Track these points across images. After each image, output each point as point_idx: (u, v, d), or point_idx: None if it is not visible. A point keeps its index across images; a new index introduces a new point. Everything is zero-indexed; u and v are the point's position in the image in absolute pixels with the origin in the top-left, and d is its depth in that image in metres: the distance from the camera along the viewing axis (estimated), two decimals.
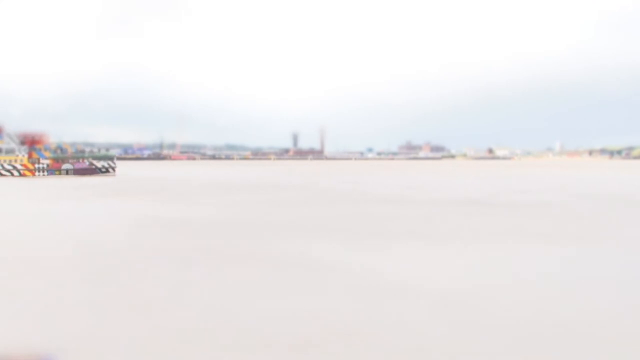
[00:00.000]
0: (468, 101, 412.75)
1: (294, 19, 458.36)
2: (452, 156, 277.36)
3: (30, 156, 69.20)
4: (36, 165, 68.37)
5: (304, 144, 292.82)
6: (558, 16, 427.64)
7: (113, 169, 71.34)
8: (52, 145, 70.71)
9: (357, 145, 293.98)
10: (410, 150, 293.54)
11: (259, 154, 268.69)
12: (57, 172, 68.26)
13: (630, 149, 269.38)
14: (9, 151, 69.88)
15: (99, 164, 70.97)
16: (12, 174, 67.62)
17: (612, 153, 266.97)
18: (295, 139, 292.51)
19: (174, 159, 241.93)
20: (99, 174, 69.45)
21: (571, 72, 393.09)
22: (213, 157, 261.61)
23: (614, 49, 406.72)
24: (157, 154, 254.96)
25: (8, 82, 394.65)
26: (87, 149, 74.83)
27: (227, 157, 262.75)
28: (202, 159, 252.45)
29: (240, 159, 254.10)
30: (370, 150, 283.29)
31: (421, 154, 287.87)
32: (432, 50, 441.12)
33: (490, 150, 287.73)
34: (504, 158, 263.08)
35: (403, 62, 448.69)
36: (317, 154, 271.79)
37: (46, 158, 69.62)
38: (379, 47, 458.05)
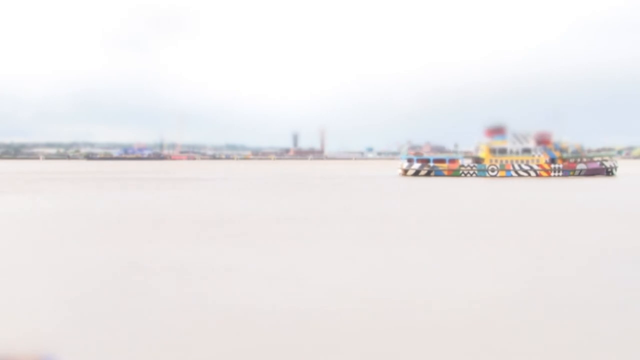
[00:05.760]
0: (469, 101, 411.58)
1: (294, 21, 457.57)
2: None
3: (544, 156, 67.91)
4: (552, 166, 67.09)
5: (304, 144, 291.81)
6: (557, 14, 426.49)
7: (616, 169, 70.17)
8: (563, 144, 69.05)
9: (358, 144, 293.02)
10: (410, 150, 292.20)
11: (259, 154, 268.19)
12: (571, 173, 67.59)
13: (631, 149, 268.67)
14: (526, 151, 67.79)
15: (608, 164, 69.68)
16: (529, 175, 66.81)
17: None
18: (295, 138, 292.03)
19: (174, 159, 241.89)
20: (604, 175, 68.80)
21: (573, 71, 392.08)
22: (213, 157, 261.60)
23: (614, 47, 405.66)
24: (157, 154, 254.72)
25: (17, 83, 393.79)
26: (587, 149, 72.96)
27: (228, 157, 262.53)
28: (202, 159, 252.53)
29: (241, 158, 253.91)
30: (370, 150, 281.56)
31: None
32: (433, 50, 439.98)
33: None
34: None
35: (403, 62, 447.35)
36: (317, 153, 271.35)
37: (555, 157, 68.12)
38: (379, 47, 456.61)
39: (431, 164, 66.85)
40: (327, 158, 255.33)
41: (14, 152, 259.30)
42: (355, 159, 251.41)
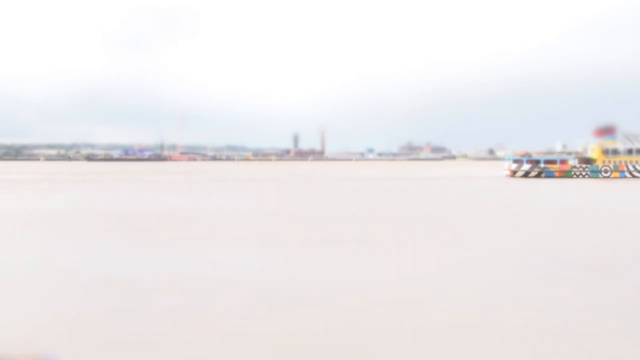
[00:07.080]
0: (469, 101, 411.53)
1: (294, 21, 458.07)
2: (453, 157, 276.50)
3: None
4: None
5: (304, 145, 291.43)
6: (557, 14, 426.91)
7: None
8: None
9: (359, 145, 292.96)
10: (411, 151, 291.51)
11: (259, 155, 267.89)
12: None
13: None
14: (638, 152, 68.10)
15: None
16: None
17: None
18: (295, 139, 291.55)
19: (175, 160, 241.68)
20: None
21: (573, 71, 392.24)
22: (214, 158, 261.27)
23: (614, 47, 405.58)
24: (157, 155, 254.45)
25: (17, 83, 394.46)
26: None
27: (228, 158, 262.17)
28: (202, 160, 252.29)
29: (241, 159, 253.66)
30: (370, 150, 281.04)
31: (422, 155, 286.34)
32: (433, 50, 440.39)
33: (491, 151, 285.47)
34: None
35: (403, 62, 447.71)
36: (317, 154, 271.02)
37: None
38: (379, 47, 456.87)
39: (542, 165, 67.11)
40: (328, 159, 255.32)
41: (15, 153, 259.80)
42: (356, 159, 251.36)
